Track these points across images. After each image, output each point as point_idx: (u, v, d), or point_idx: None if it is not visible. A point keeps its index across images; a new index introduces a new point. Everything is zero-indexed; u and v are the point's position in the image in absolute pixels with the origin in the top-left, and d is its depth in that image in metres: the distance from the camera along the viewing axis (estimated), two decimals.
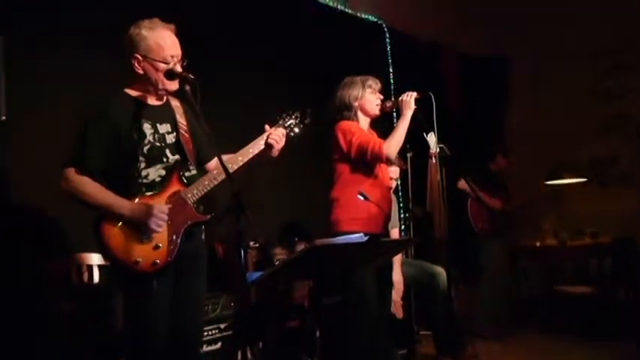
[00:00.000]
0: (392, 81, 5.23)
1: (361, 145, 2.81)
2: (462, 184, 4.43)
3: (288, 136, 2.38)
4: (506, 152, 4.85)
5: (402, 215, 4.58)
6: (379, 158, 2.81)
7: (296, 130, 2.41)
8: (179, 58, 2.18)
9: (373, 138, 2.88)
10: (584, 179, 5.13)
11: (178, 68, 2.16)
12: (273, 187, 4.09)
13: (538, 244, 5.01)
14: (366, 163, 2.86)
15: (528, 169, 5.44)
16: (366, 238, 2.04)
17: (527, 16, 5.83)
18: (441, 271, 3.51)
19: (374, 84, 3.03)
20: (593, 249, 4.89)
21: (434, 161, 2.92)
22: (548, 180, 5.04)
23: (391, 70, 5.30)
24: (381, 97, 3.02)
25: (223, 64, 3.91)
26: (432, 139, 2.90)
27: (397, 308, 3.33)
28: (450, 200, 2.93)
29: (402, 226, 4.44)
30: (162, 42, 2.15)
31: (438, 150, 2.88)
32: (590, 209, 5.27)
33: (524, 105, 6.13)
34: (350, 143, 2.83)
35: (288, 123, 2.41)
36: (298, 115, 2.43)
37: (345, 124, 2.92)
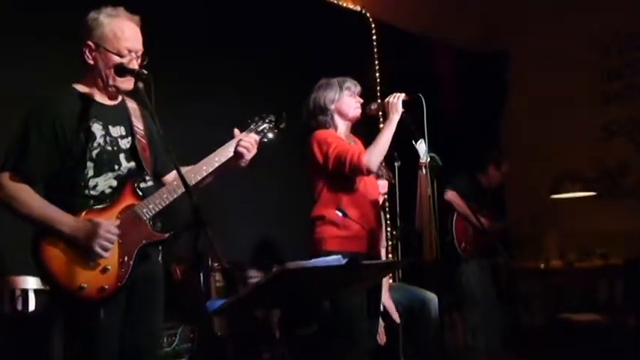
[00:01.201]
0: (377, 80, 5.30)
1: (338, 157, 2.85)
2: (451, 195, 4.48)
3: (260, 142, 2.38)
4: (499, 162, 4.91)
5: (388, 233, 4.63)
6: (359, 170, 2.84)
7: (270, 135, 2.42)
8: (138, 54, 2.17)
9: (352, 148, 2.91)
10: (593, 192, 5.21)
11: (132, 64, 2.15)
12: (245, 199, 4.12)
13: (542, 265, 5.08)
14: (345, 176, 2.89)
15: (529, 180, 5.52)
16: (344, 261, 2.06)
17: (528, 9, 5.92)
18: (432, 298, 3.55)
19: (353, 86, 3.07)
20: (602, 271, 4.97)
21: (424, 172, 2.96)
22: (551, 193, 5.13)
23: (377, 68, 5.36)
24: (361, 101, 3.07)
25: (186, 60, 3.93)
26: (421, 147, 2.93)
27: (381, 333, 3.37)
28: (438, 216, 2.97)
29: (389, 245, 4.49)
30: (120, 32, 2.14)
31: (428, 159, 2.92)
32: (599, 226, 5.33)
33: (523, 106, 6.20)
34: (326, 155, 2.87)
35: (261, 128, 2.41)
36: (272, 119, 2.44)
37: (320, 134, 2.96)
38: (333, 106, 3.02)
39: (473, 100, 6.05)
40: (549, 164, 5.60)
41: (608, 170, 5.72)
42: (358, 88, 3.11)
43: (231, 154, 2.32)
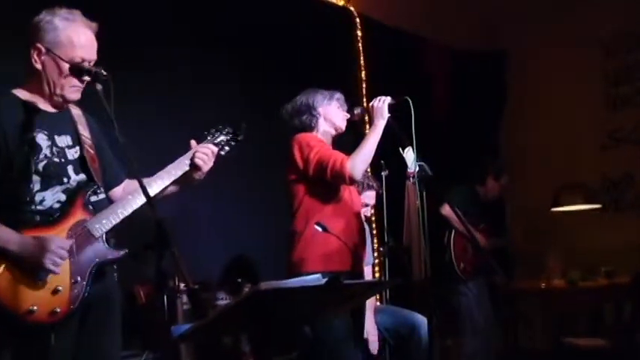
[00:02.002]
0: (363, 81, 5.32)
1: (320, 162, 2.88)
2: (448, 210, 4.51)
3: (218, 154, 2.43)
4: (499, 173, 4.95)
5: (375, 250, 4.63)
6: (341, 178, 2.86)
7: (227, 148, 2.49)
8: (91, 64, 2.19)
9: (335, 153, 2.94)
10: (597, 205, 5.25)
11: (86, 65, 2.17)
12: (215, 212, 4.13)
13: (542, 285, 5.11)
14: (326, 184, 2.91)
15: (527, 191, 5.55)
16: (324, 280, 2.06)
17: (527, 7, 5.95)
18: (422, 321, 3.55)
19: (342, 100, 3.17)
20: (608, 291, 4.99)
21: (412, 183, 2.98)
22: (552, 206, 5.17)
23: (363, 68, 5.39)
24: (348, 115, 3.12)
25: (148, 59, 3.92)
26: (409, 155, 2.96)
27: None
28: (430, 231, 2.98)
29: (375, 263, 4.49)
30: (76, 39, 2.16)
31: (417, 169, 2.94)
32: (604, 242, 5.35)
33: (522, 111, 6.24)
34: (307, 160, 2.90)
35: (218, 140, 2.48)
36: (230, 131, 2.51)
37: (302, 137, 2.98)
38: (321, 109, 3.07)
39: (467, 104, 6.07)
40: (550, 174, 5.63)
41: (614, 181, 5.76)
42: (346, 106, 3.19)
43: (187, 167, 2.37)
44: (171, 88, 4.03)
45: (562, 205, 5.18)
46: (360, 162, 2.87)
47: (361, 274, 3.10)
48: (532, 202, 5.54)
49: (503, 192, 5.08)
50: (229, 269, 4.05)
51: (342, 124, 3.13)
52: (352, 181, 2.94)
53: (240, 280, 3.69)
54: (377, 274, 4.62)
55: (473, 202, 4.85)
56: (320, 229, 2.77)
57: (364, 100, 5.17)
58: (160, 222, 1.87)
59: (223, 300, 3.40)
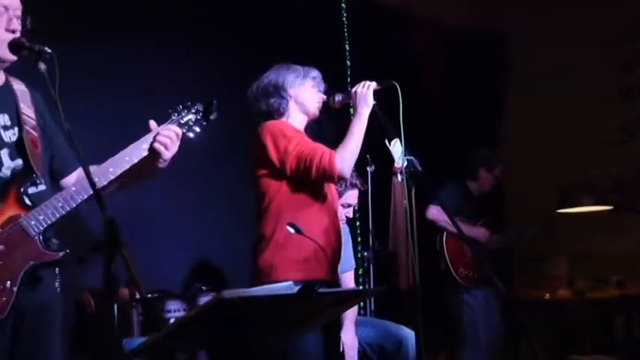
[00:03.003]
0: (348, 63, 5.32)
1: (302, 157, 2.86)
2: (434, 212, 4.53)
3: (184, 137, 2.36)
4: (492, 164, 4.99)
5: (360, 254, 4.64)
6: (329, 176, 2.86)
7: (196, 129, 2.40)
8: (17, 14, 2.15)
9: (319, 147, 2.92)
10: (608, 206, 5.29)
11: (11, 24, 2.13)
12: (176, 210, 4.10)
13: (546, 296, 5.15)
14: (304, 181, 2.90)
15: (531, 191, 5.58)
16: (296, 288, 2.05)
17: None
18: (410, 336, 3.53)
19: (319, 80, 3.12)
20: (619, 303, 5.06)
21: (399, 179, 2.99)
22: (558, 207, 5.20)
23: (347, 46, 5.38)
24: (324, 97, 3.10)
25: (100, 33, 3.87)
26: (396, 148, 2.97)
27: None
28: (421, 234, 2.99)
29: (360, 269, 4.50)
30: None
31: (405, 164, 2.95)
32: (616, 248, 5.39)
33: (525, 100, 6.22)
34: (285, 153, 2.87)
35: (186, 119, 2.39)
36: (200, 109, 2.42)
37: (275, 126, 2.96)
38: (292, 91, 3.04)
39: (464, 90, 6.06)
40: (556, 171, 5.64)
41: (627, 179, 5.80)
42: (324, 86, 3.15)
43: (144, 152, 2.29)
44: (129, 61, 4.00)
45: (569, 206, 5.20)
46: (349, 157, 2.87)
47: (336, 282, 3.10)
48: (535, 202, 5.55)
49: (498, 184, 5.11)
50: (191, 276, 4.03)
51: (316, 110, 3.09)
52: (340, 180, 2.94)
53: (204, 288, 3.68)
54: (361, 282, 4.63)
55: (466, 200, 4.88)
56: (292, 230, 2.76)
57: (348, 84, 5.16)
58: (111, 219, 1.84)
59: (178, 312, 3.38)
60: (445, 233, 4.67)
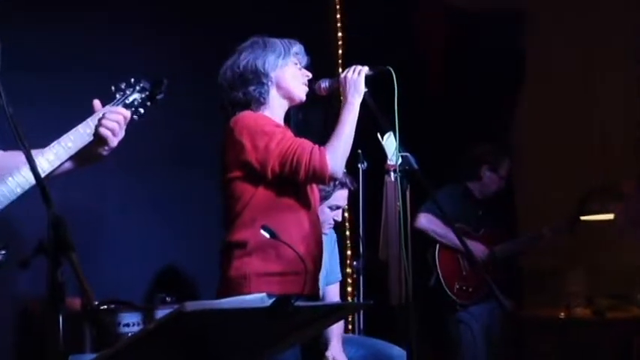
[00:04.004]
0: (339, 45, 5.31)
1: (287, 156, 2.83)
2: (424, 221, 4.52)
3: (131, 119, 2.35)
4: (496, 162, 5.00)
5: (347, 264, 4.64)
6: (320, 177, 2.84)
7: (141, 110, 2.39)
8: None
9: (305, 143, 2.89)
10: None
11: None
12: (137, 210, 4.14)
13: (561, 315, 5.15)
14: (287, 182, 2.88)
15: (545, 195, 5.58)
16: (270, 301, 2.04)
17: None
18: (401, 355, 3.55)
19: (301, 55, 3.09)
20: None
21: (392, 179, 2.97)
22: (580, 214, 5.20)
23: (339, 24, 5.37)
24: (309, 75, 3.06)
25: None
26: (390, 142, 2.96)
27: None
28: (416, 241, 2.99)
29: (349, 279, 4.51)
30: None
31: (399, 161, 2.94)
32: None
33: (541, 91, 6.18)
34: (266, 152, 2.84)
35: (131, 99, 2.38)
36: (147, 87, 2.41)
37: (251, 119, 2.92)
38: (274, 74, 3.00)
39: (471, 79, 6.06)
40: (574, 173, 5.66)
41: None
42: (306, 59, 3.12)
43: (89, 137, 2.28)
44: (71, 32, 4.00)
45: (588, 213, 5.21)
46: (341, 154, 2.87)
47: (316, 295, 3.11)
48: (550, 209, 5.56)
49: (505, 184, 5.10)
50: (154, 286, 4.03)
51: (302, 93, 3.06)
52: (332, 181, 2.93)
53: (168, 299, 3.67)
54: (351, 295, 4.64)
55: (466, 203, 4.90)
56: (267, 234, 2.74)
57: (340, 68, 5.17)
58: (57, 217, 1.82)
59: (137, 326, 3.36)
60: (438, 245, 4.67)
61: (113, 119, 2.29)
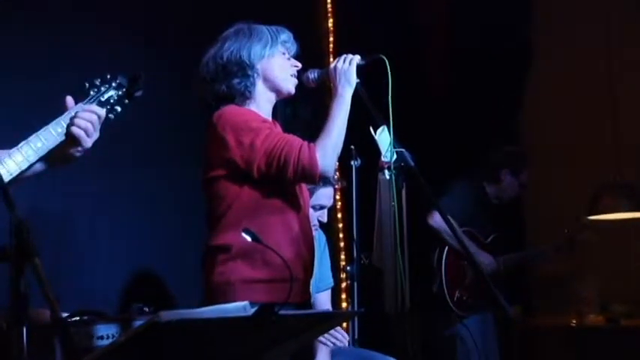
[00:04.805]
0: (330, 31, 5.32)
1: (274, 154, 2.83)
2: (437, 220, 4.52)
3: (107, 118, 2.35)
4: (518, 166, 5.02)
5: (341, 269, 4.65)
6: (309, 175, 2.84)
7: (118, 108, 2.40)
8: None
9: (293, 139, 2.89)
10: None
11: None
12: (109, 214, 4.11)
13: (573, 322, 5.17)
14: (279, 183, 2.89)
15: (555, 193, 5.60)
16: (252, 310, 2.05)
17: None
18: None
19: (290, 43, 3.09)
20: None
21: (386, 177, 2.98)
22: (590, 214, 5.22)
23: (329, 9, 5.38)
24: (299, 65, 3.07)
25: None
26: (384, 137, 2.97)
27: None
28: (413, 246, 2.99)
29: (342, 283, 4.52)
30: None
31: (393, 157, 2.94)
32: None
33: (550, 83, 6.18)
34: (251, 150, 2.84)
35: (107, 96, 2.38)
36: (123, 83, 2.42)
37: (235, 114, 2.93)
38: (259, 65, 3.01)
39: (476, 69, 6.06)
40: (586, 170, 5.67)
41: None
42: (295, 47, 3.12)
43: (60, 137, 2.28)
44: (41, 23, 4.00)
45: (602, 212, 5.21)
46: (331, 151, 2.86)
47: (307, 302, 3.11)
48: (561, 208, 5.57)
49: (522, 191, 5.13)
50: (130, 295, 4.03)
51: (291, 85, 3.06)
52: (322, 180, 2.93)
53: (145, 309, 3.66)
54: (344, 304, 4.65)
55: (479, 206, 4.91)
56: (248, 237, 2.74)
57: (330, 58, 5.17)
58: (22, 225, 1.82)
59: (112, 339, 3.36)
60: (447, 248, 4.68)
61: (86, 118, 2.29)
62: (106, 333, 3.48)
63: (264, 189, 2.92)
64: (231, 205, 2.91)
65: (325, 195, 3.76)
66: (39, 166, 2.32)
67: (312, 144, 2.85)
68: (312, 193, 3.60)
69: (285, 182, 2.89)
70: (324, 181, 3.02)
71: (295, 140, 2.88)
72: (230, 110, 2.94)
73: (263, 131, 2.87)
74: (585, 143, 5.82)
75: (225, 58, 2.99)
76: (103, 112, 2.34)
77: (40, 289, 1.86)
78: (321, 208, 3.78)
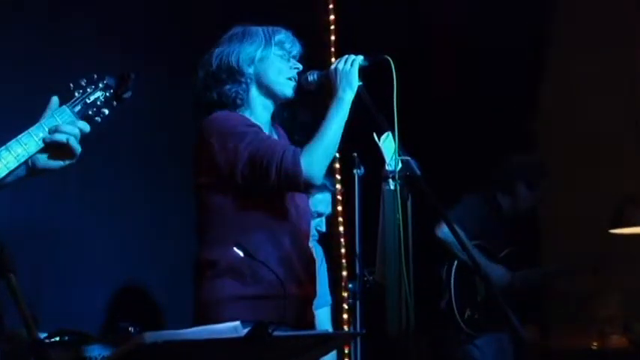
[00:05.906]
0: (331, 30, 5.33)
1: (257, 158, 2.83)
2: (446, 232, 4.52)
3: (93, 121, 2.34)
4: (535, 178, 5.02)
5: (342, 286, 4.65)
6: (293, 183, 2.84)
7: (105, 111, 2.38)
8: None
9: (278, 143, 2.92)
10: None
11: None
12: (94, 228, 4.12)
13: (594, 344, 5.17)
14: (264, 191, 2.89)
15: (575, 205, 5.59)
16: (245, 330, 2.05)
17: None
18: None
19: (288, 43, 3.10)
20: None
21: (390, 188, 2.98)
22: (612, 227, 5.22)
23: (330, 6, 5.39)
24: (299, 67, 3.09)
25: None
26: (388, 144, 2.97)
27: None
28: (420, 259, 2.99)
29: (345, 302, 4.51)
30: None
31: (399, 166, 2.94)
32: None
33: (567, 86, 6.20)
34: (235, 154, 2.85)
35: (93, 98, 2.37)
36: (111, 84, 2.40)
37: (222, 118, 2.95)
38: (252, 70, 3.02)
39: (486, 71, 6.09)
40: (608, 181, 5.68)
41: None
42: (298, 48, 3.13)
43: (39, 145, 2.26)
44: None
45: (626, 226, 5.21)
46: (320, 158, 2.86)
47: (308, 324, 3.09)
48: (581, 220, 5.58)
49: (538, 204, 5.13)
50: (116, 314, 4.03)
51: (288, 89, 3.06)
52: (308, 188, 2.92)
53: (132, 329, 3.66)
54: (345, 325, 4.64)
55: (492, 218, 4.92)
56: (240, 252, 2.74)
57: (332, 57, 5.17)
58: None
59: None
60: (456, 262, 4.68)
61: (69, 132, 2.27)
62: (89, 355, 3.49)
63: (251, 200, 2.93)
64: (216, 218, 2.94)
65: (321, 201, 3.76)
66: (18, 172, 2.30)
67: (298, 149, 2.86)
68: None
69: (268, 189, 2.88)
70: (309, 188, 2.97)
71: (280, 144, 2.91)
72: (218, 116, 2.97)
73: (248, 135, 2.88)
74: (607, 151, 5.84)
75: (214, 65, 3.02)
76: (87, 127, 2.32)
77: (16, 307, 1.87)
78: (319, 215, 3.78)
